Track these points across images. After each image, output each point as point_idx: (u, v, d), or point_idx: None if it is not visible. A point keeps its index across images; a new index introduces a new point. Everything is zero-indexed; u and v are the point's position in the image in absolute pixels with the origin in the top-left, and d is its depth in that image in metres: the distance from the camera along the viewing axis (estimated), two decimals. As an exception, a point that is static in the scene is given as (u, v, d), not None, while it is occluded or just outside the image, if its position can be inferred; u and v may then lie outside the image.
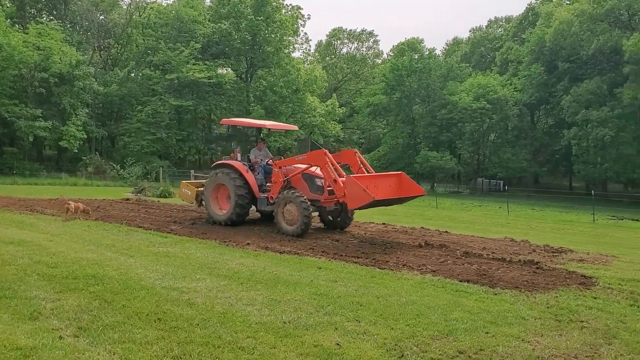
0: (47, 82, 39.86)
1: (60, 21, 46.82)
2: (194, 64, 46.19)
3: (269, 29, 51.60)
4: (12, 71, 38.05)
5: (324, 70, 63.14)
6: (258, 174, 13.95)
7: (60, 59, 40.06)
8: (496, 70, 64.59)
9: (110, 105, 50.99)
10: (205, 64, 47.39)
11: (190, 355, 4.89)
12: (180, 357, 4.85)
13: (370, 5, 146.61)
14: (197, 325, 5.71)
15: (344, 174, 12.22)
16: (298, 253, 10.33)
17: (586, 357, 5.25)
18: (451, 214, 25.67)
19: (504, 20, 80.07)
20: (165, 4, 53.08)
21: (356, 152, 13.45)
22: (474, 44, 79.01)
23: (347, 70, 75.58)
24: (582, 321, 6.39)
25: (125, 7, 56.35)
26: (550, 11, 58.67)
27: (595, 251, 12.42)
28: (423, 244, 11.85)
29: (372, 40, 78.62)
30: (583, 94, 49.48)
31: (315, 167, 12.80)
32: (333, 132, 55.92)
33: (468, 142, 58.32)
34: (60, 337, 5.19)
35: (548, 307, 6.98)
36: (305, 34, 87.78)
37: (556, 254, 11.54)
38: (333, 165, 12.20)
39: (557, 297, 7.51)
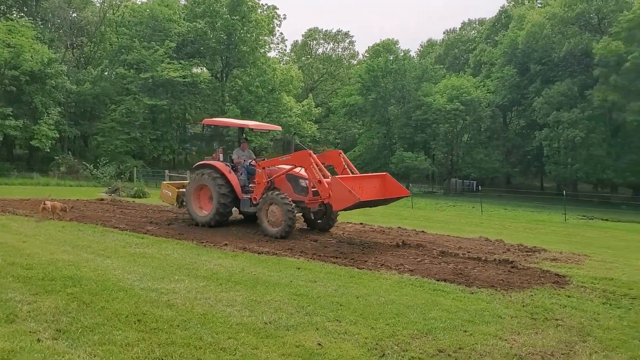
0: (18, 80, 39.01)
1: (31, 18, 45.94)
2: (168, 63, 45.77)
3: (245, 28, 51.43)
4: (-20, 69, 37.22)
5: (300, 70, 63.16)
6: (241, 174, 13.77)
7: (31, 56, 39.25)
8: (469, 72, 65.44)
9: (84, 104, 50.17)
10: (180, 63, 47.00)
11: (172, 357, 4.87)
12: (162, 359, 4.84)
13: (345, 6, 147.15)
14: (178, 326, 5.68)
15: (329, 174, 12.18)
16: (276, 253, 10.33)
17: (562, 354, 5.36)
18: (426, 214, 25.94)
19: (477, 23, 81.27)
20: (139, 2, 52.58)
21: (340, 153, 13.33)
22: (447, 45, 79.93)
23: (323, 70, 75.74)
24: (557, 319, 6.53)
25: (98, 4, 55.62)
26: (522, 14, 59.71)
27: (567, 250, 12.67)
28: (400, 243, 11.95)
29: (347, 41, 79.00)
30: (554, 95, 50.46)
31: (300, 167, 12.70)
32: (309, 132, 55.96)
33: (442, 142, 59.03)
34: (39, 340, 5.12)
35: (524, 306, 7.10)
36: (281, 33, 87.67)
37: (530, 253, 11.73)
38: (318, 166, 12.11)
39: (532, 295, 7.65)
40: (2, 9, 49.23)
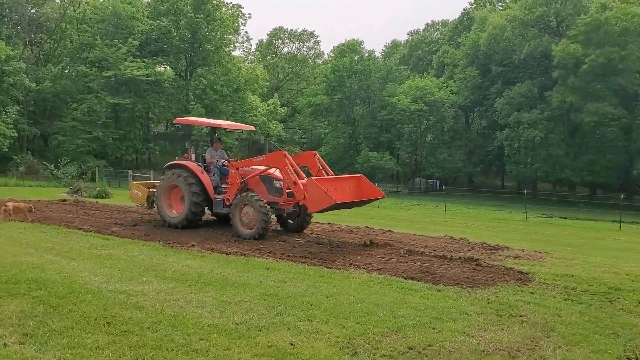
0: (-26, 77, 37.87)
1: (-12, 14, 44.62)
2: (131, 62, 45.01)
3: (209, 27, 50.98)
4: None
5: (265, 70, 62.94)
6: (213, 175, 13.53)
7: (-13, 53, 38.16)
8: (433, 73, 66.33)
9: (43, 103, 48.89)
10: (144, 62, 46.28)
11: (144, 359, 4.85)
12: (134, 361, 4.81)
13: (310, 6, 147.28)
14: (148, 328, 5.65)
15: (304, 176, 12.12)
16: (245, 254, 10.31)
17: (527, 350, 5.52)
18: (392, 213, 26.24)
19: (440, 24, 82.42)
20: (101, 0, 51.46)
21: (315, 154, 13.20)
22: (411, 47, 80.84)
23: (288, 69, 75.63)
24: (521, 315, 6.71)
25: (58, 1, 54.21)
26: (484, 16, 60.82)
27: (529, 248, 12.97)
28: (368, 242, 12.06)
29: (313, 40, 79.04)
30: (515, 96, 51.60)
31: (274, 169, 12.57)
32: (275, 131, 55.84)
33: (406, 143, 59.74)
34: (5, 345, 5.03)
35: (489, 303, 7.27)
36: (246, 32, 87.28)
37: (493, 251, 11.98)
38: (293, 167, 11.98)
39: (496, 292, 7.84)
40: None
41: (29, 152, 45.18)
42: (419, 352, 5.32)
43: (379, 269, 9.16)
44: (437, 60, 68.65)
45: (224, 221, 13.74)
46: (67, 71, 49.02)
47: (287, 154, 12.21)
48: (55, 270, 8.06)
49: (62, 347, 5.03)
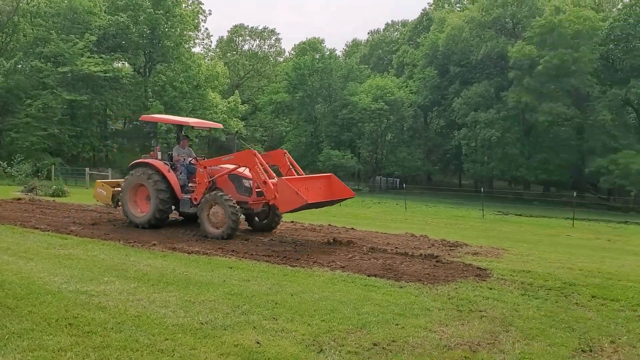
0: None
1: None
2: (89, 57, 43.93)
3: (169, 23, 50.21)
4: None
5: (226, 67, 62.38)
6: (180, 173, 13.25)
7: None
8: (393, 73, 67.00)
9: (-5, 98, 47.27)
10: (101, 57, 45.23)
11: (109, 360, 4.81)
12: (98, 363, 4.76)
13: (271, 3, 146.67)
14: (112, 329, 5.58)
15: (274, 175, 12.02)
16: (207, 253, 10.24)
17: (487, 344, 5.68)
18: (354, 211, 26.41)
19: (400, 24, 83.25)
20: (56, -7, 50.01)
21: (285, 153, 13.08)
22: (372, 46, 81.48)
23: (249, 67, 75.14)
24: (481, 311, 6.89)
25: (10, -7, 52.42)
26: (443, 17, 61.77)
27: (487, 245, 13.29)
28: (331, 240, 12.12)
29: (274, 38, 78.73)
30: (472, 96, 52.60)
31: (244, 167, 12.39)
32: (235, 129, 55.44)
33: (367, 141, 60.26)
34: (-38, 349, 4.90)
35: (449, 298, 7.44)
36: (206, 29, 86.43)
37: (453, 247, 12.23)
38: (263, 166, 11.85)
39: (456, 288, 8.02)
40: None
41: (-21, 149, 43.64)
42: (383, 348, 5.42)
43: (343, 267, 9.25)
44: (397, 60, 69.36)
45: (191, 221, 13.58)
46: (20, 66, 47.44)
47: (257, 153, 12.07)
48: (12, 271, 7.85)
49: (22, 349, 4.91)
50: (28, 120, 42.56)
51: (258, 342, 5.39)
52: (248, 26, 77.40)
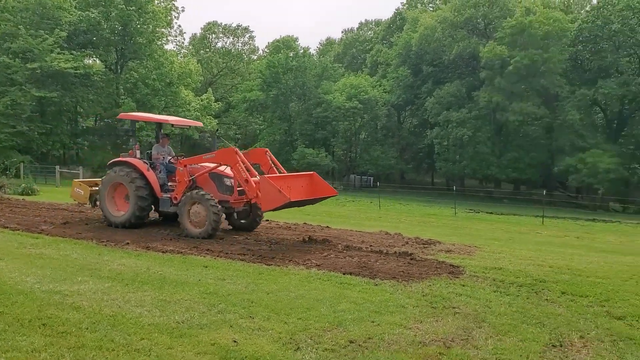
0: None
1: None
2: (59, 53, 43.05)
3: (141, 19, 49.46)
4: None
5: (199, 64, 61.84)
6: (160, 172, 13.08)
7: None
8: (367, 72, 67.21)
9: (-40, 94, 46.06)
10: (72, 54, 44.37)
11: (84, 360, 4.77)
12: (73, 363, 4.72)
13: (245, 1, 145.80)
14: (87, 329, 5.53)
15: (256, 173, 11.93)
16: (182, 252, 10.20)
17: (461, 340, 5.80)
18: (328, 209, 26.48)
19: (373, 24, 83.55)
20: (24, -13, 48.91)
21: (267, 152, 12.95)
22: (346, 45, 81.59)
23: (222, 64, 74.61)
24: (454, 307, 7.01)
25: (-24, -13, 51.13)
26: (416, 17, 62.23)
27: (459, 242, 13.49)
28: (307, 239, 12.14)
29: (247, 35, 78.30)
30: (444, 96, 53.15)
31: (225, 166, 12.27)
32: (208, 127, 55.03)
33: (341, 140, 60.46)
34: None
35: (423, 295, 7.55)
36: (179, 26, 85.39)
37: (426, 245, 12.38)
38: (244, 165, 11.75)
39: (430, 285, 8.14)
40: None
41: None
42: (359, 345, 5.48)
43: (318, 265, 9.30)
44: (370, 59, 69.62)
45: (168, 220, 13.43)
46: (-14, 62, 46.33)
47: (238, 151, 11.95)
48: (-18, 272, 7.72)
49: (-6, 351, 4.85)
50: (-5, 117, 41.59)
51: (235, 341, 5.41)
52: (221, 23, 76.96)
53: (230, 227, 13.70)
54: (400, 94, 59.21)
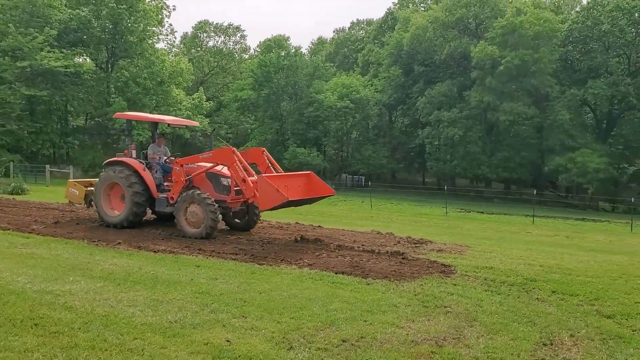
0: None
1: None
2: (49, 52, 42.77)
3: (132, 18, 49.24)
4: None
5: (190, 63, 61.61)
6: (156, 172, 12.99)
7: None
8: (358, 71, 67.28)
9: (-51, 93, 45.62)
10: (62, 52, 44.11)
11: (77, 360, 4.76)
12: (66, 363, 4.71)
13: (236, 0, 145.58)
14: (79, 329, 5.52)
15: (254, 173, 11.89)
16: (173, 252, 10.18)
17: (453, 339, 5.84)
18: (320, 209, 26.49)
19: (365, 23, 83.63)
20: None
21: (264, 151, 12.88)
22: (337, 44, 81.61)
23: (213, 63, 74.40)
24: (446, 306, 7.06)
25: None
26: (407, 16, 62.34)
27: (450, 242, 13.56)
28: (299, 238, 12.16)
29: (239, 34, 78.14)
30: (436, 96, 53.31)
31: (222, 166, 12.20)
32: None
33: (333, 139, 60.49)
34: None
35: (415, 295, 7.59)
36: (170, 25, 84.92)
37: (418, 244, 12.44)
38: (242, 164, 11.70)
39: (422, 285, 8.18)
40: None
41: None
42: (352, 344, 5.51)
43: (310, 265, 9.32)
44: (362, 58, 69.69)
45: (161, 220, 13.37)
46: (-24, 60, 45.96)
47: (236, 150, 11.89)
48: (-28, 272, 7.67)
49: (-14, 351, 4.84)
50: (-17, 116, 41.27)
51: (228, 340, 5.42)
52: (213, 22, 76.76)
53: (227, 228, 13.63)
54: (392, 93, 59.33)
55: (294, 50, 63.45)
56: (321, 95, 57.19)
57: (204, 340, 5.40)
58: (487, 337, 5.96)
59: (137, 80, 49.80)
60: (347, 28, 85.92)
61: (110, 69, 52.59)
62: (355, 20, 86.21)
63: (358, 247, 11.38)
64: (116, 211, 13.00)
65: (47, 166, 35.28)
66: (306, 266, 9.20)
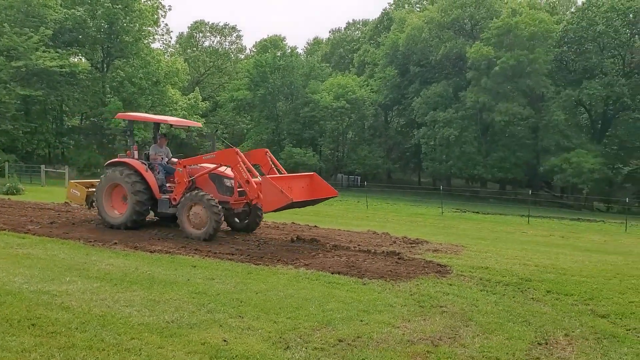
0: None
1: None
2: (44, 52, 42.65)
3: (128, 18, 49.13)
4: None
5: (186, 63, 61.54)
6: (158, 173, 12.88)
7: None
8: (354, 72, 67.35)
9: (-58, 92, 45.42)
10: (57, 52, 44.00)
11: (74, 360, 4.77)
12: (63, 363, 4.72)
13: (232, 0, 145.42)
14: (77, 329, 5.53)
15: (257, 174, 11.85)
16: (170, 252, 10.18)
17: (448, 338, 5.87)
18: (316, 209, 26.42)
19: (361, 24, 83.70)
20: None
21: (267, 152, 12.82)
22: (333, 44, 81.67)
23: (209, 63, 74.34)
24: (441, 306, 7.09)
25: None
26: (403, 17, 62.38)
27: (446, 242, 13.61)
28: (295, 238, 12.19)
29: (235, 34, 78.16)
30: (431, 96, 53.43)
31: (225, 167, 12.13)
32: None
33: (329, 139, 60.57)
34: None
35: (411, 295, 7.62)
36: (166, 25, 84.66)
37: (414, 245, 12.48)
38: (245, 165, 11.63)
39: (418, 284, 8.21)
40: None
41: None
42: (348, 344, 5.54)
43: (307, 265, 9.35)
44: (357, 59, 69.77)
45: (164, 221, 13.35)
46: (-30, 60, 45.79)
47: (239, 151, 11.81)
48: (-32, 272, 7.66)
49: (-17, 352, 4.84)
50: (-21, 116, 41.13)
51: (225, 340, 5.44)
52: (208, 22, 76.76)
53: (228, 228, 13.54)
54: (388, 93, 59.43)
55: (289, 50, 63.47)
56: (317, 96, 57.22)
57: (201, 340, 5.42)
58: (483, 336, 6.00)
59: (133, 80, 49.75)
60: (342, 28, 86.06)
61: (105, 69, 52.51)
62: (351, 21, 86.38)
63: (354, 247, 11.42)
64: (118, 212, 12.93)
65: (43, 166, 35.24)
66: (302, 266, 9.22)
